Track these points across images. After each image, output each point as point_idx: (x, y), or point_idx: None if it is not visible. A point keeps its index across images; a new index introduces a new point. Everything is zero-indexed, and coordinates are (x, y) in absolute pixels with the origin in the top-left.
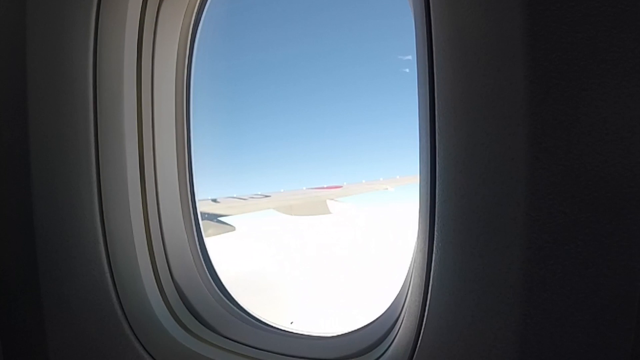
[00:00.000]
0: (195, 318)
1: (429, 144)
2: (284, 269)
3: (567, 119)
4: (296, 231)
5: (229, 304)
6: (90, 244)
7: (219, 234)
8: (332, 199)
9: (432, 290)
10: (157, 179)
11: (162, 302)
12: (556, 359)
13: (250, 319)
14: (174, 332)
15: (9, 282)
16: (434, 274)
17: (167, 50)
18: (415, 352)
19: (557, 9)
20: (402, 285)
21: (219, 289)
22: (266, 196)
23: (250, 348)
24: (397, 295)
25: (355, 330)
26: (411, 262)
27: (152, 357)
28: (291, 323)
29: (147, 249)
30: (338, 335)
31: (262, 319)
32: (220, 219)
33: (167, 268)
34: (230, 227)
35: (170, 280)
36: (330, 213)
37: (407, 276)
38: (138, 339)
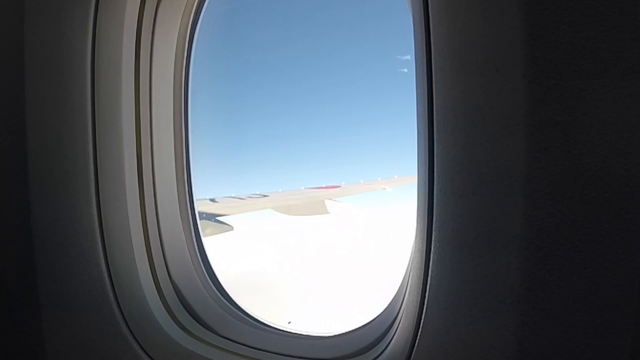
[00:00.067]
0: (193, 318)
1: (427, 144)
2: (283, 269)
3: (565, 119)
4: (294, 231)
5: (227, 304)
6: (89, 244)
7: (217, 233)
8: (331, 199)
9: (430, 290)
10: (155, 179)
11: (160, 302)
12: (555, 359)
13: (248, 319)
14: (172, 332)
15: (8, 282)
16: (431, 273)
17: (166, 50)
18: (413, 352)
19: (555, 9)
20: (400, 285)
21: (217, 289)
22: (264, 196)
23: (248, 348)
24: (395, 295)
25: (353, 330)
26: (409, 262)
27: (150, 357)
28: (289, 323)
29: (145, 248)
30: (336, 335)
31: (260, 319)
32: (218, 218)
33: (165, 268)
34: (229, 227)
35: (168, 280)
36: (328, 213)
37: (404, 276)
38: (136, 339)
